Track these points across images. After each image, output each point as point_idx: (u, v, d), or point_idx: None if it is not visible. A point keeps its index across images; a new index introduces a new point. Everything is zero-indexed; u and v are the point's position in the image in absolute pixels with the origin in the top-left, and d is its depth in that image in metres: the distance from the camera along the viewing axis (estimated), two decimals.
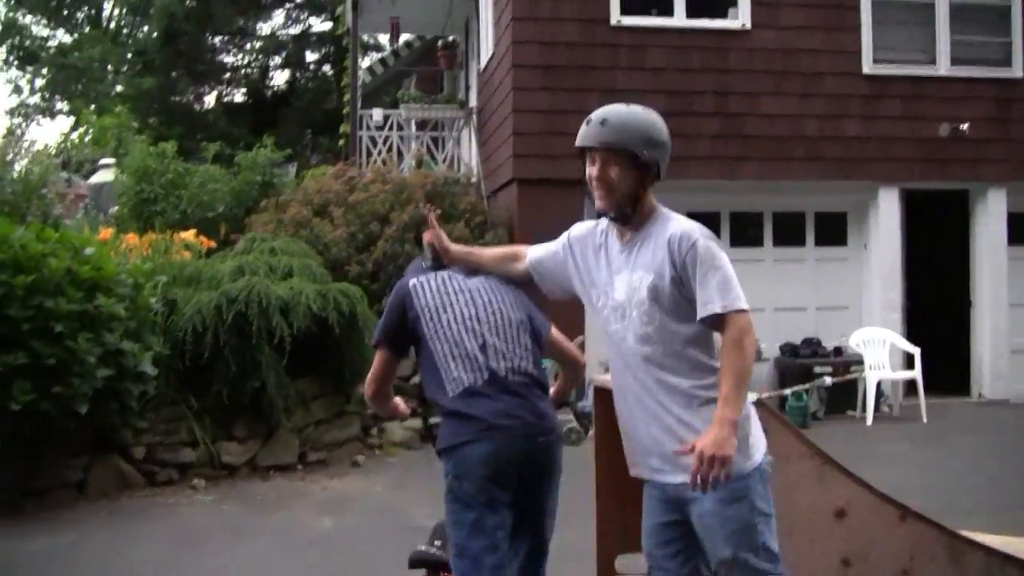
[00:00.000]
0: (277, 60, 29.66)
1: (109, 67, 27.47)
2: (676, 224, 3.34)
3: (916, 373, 10.84)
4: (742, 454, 3.20)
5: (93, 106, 23.39)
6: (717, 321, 3.21)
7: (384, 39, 22.36)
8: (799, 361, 11.45)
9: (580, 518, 4.36)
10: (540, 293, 3.79)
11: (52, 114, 30.20)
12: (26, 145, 14.88)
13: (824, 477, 4.22)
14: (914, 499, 4.44)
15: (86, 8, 29.80)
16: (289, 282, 8.86)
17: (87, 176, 15.69)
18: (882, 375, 10.96)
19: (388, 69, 19.91)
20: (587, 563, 4.33)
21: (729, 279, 3.22)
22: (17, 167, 12.30)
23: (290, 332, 8.34)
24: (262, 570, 6.34)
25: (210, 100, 29.03)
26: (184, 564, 6.39)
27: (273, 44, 28.99)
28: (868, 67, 11.85)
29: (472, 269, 3.83)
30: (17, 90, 29.55)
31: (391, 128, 15.07)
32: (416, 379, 9.15)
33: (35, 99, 29.83)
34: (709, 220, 7.64)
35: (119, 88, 27.02)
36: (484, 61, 13.83)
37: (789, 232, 12.27)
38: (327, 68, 28.01)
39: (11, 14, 28.17)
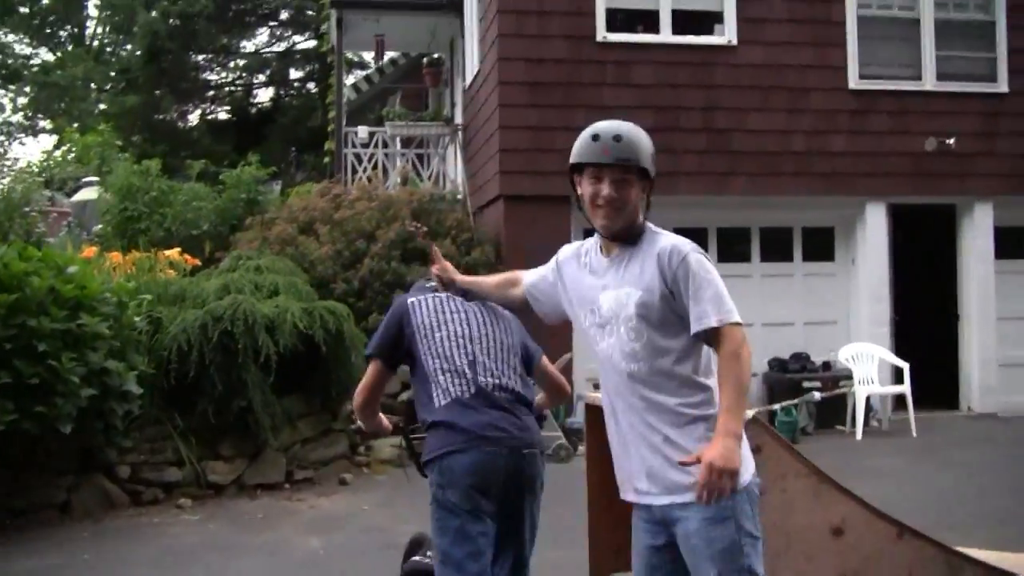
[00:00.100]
0: (261, 78, 29.74)
1: (92, 85, 27.50)
2: (665, 239, 3.28)
3: (905, 387, 10.86)
4: None
5: (76, 124, 23.37)
6: (712, 335, 3.15)
7: (369, 56, 22.33)
8: (788, 376, 11.44)
9: (571, 535, 4.32)
10: (536, 319, 3.77)
11: (35, 132, 30.26)
12: (9, 163, 14.84)
13: (820, 494, 4.19)
14: (906, 514, 4.41)
15: (69, 26, 29.81)
16: (275, 300, 8.80)
17: (70, 194, 15.61)
18: (871, 389, 10.96)
19: (373, 86, 19.91)
20: None
21: (722, 293, 3.18)
22: None
23: (276, 350, 8.27)
24: None
25: (194, 118, 29.10)
26: None
27: (257, 62, 29.05)
28: (854, 82, 11.89)
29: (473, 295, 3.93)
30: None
31: (376, 145, 15.03)
32: (403, 396, 9.11)
33: (18, 117, 29.86)
34: (697, 236, 7.59)
35: (102, 106, 27.02)
36: (470, 78, 13.83)
37: (777, 247, 12.27)
38: (312, 86, 28.06)
39: None
